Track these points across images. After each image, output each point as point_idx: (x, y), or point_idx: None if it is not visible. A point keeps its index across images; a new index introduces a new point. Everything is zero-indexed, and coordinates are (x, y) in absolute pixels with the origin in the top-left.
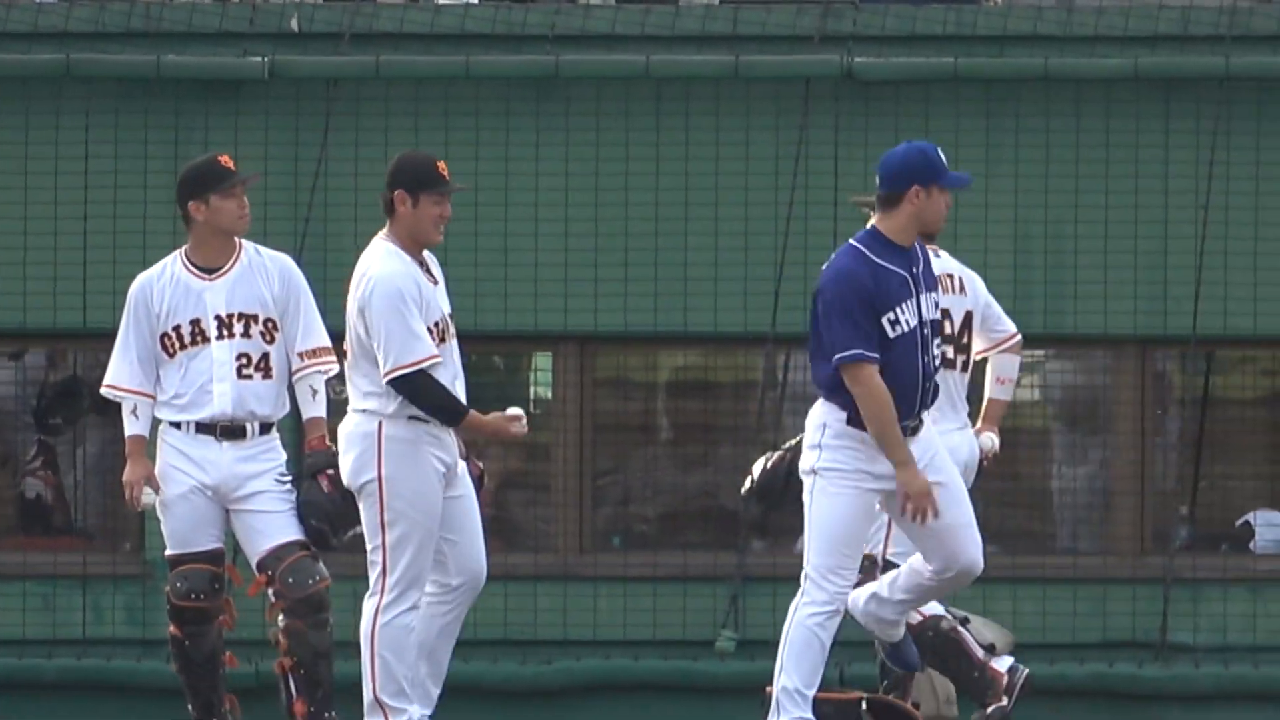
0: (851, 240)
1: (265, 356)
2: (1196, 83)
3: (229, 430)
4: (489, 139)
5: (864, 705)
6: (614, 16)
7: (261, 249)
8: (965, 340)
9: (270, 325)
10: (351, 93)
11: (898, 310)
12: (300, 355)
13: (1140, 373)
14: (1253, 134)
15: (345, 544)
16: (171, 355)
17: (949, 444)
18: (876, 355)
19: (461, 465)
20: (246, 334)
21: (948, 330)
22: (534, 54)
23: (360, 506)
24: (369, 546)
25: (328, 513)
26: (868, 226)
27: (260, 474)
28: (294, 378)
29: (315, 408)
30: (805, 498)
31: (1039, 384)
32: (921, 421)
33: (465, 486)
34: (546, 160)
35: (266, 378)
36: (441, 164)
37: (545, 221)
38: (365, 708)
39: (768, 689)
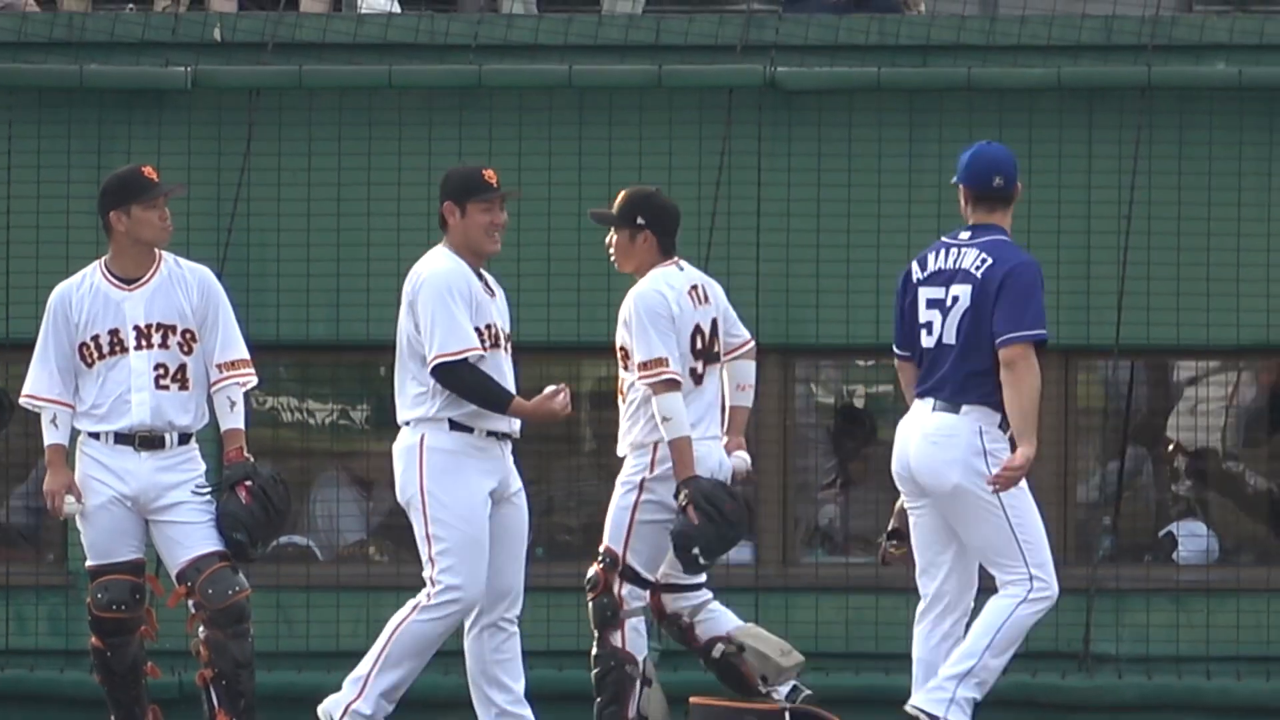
0: (998, 238)
1: (183, 367)
2: (1119, 92)
3: (147, 440)
4: (412, 149)
5: (787, 716)
6: (537, 26)
7: (181, 260)
8: (716, 349)
9: (188, 336)
10: (274, 102)
11: None
12: (219, 367)
13: (1064, 383)
14: (1175, 143)
15: (265, 554)
16: (90, 365)
17: (700, 451)
18: None
19: (517, 484)
20: (164, 344)
21: (700, 345)
22: (457, 63)
23: (411, 521)
24: (422, 558)
25: (246, 524)
26: (976, 224)
27: (179, 484)
28: (212, 389)
29: (234, 419)
30: (990, 507)
31: None
32: None
33: (515, 505)
34: None
35: (183, 389)
36: (488, 171)
37: None
38: (348, 680)
39: (693, 699)
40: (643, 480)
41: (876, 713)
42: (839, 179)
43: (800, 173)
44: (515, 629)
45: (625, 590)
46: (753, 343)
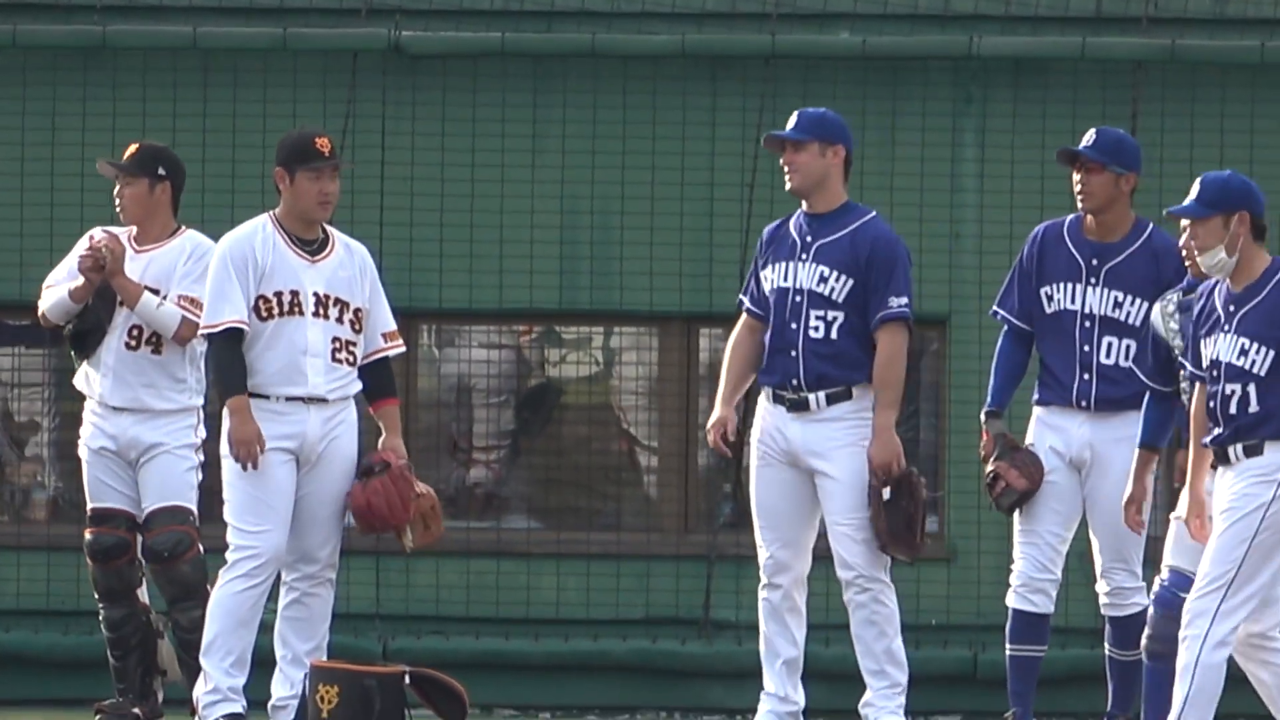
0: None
1: None
2: (743, 60)
3: None
4: (35, 109)
5: (407, 678)
6: None
7: None
8: None
9: None
10: None
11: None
12: None
13: (685, 350)
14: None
15: None
16: None
17: None
18: None
19: (331, 450)
20: None
21: None
22: (81, 24)
23: None
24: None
25: None
26: None
27: None
28: None
29: None
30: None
31: (589, 361)
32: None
33: (324, 471)
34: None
35: None
36: (321, 140)
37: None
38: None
39: (313, 661)
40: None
41: (496, 676)
42: (463, 144)
43: (424, 137)
44: (310, 589)
45: None
46: None
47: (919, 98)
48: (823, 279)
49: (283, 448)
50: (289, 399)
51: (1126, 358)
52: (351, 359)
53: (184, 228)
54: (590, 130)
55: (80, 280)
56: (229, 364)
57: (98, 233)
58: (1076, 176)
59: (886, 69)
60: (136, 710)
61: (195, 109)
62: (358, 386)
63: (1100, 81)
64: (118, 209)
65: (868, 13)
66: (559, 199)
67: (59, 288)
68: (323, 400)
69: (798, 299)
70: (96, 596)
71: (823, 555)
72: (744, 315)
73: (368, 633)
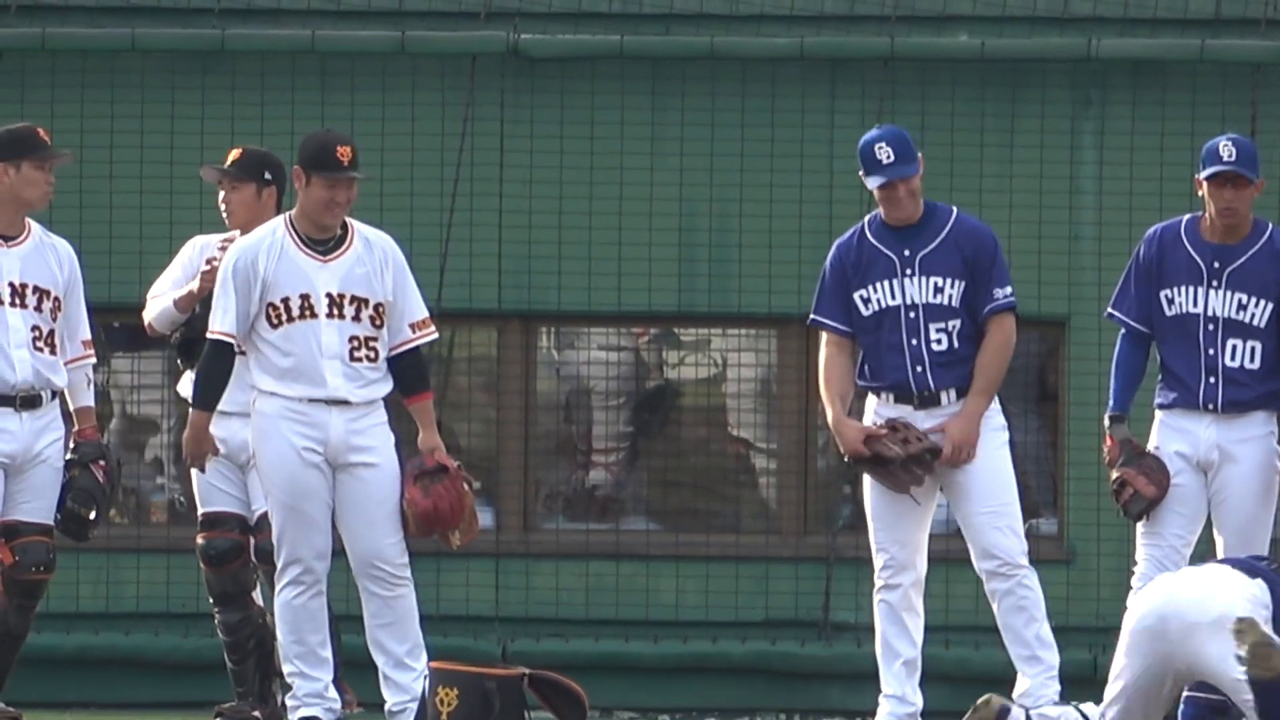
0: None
1: (52, 333)
2: (862, 63)
3: (28, 400)
4: (153, 112)
5: (526, 681)
6: None
7: (48, 230)
8: None
9: (58, 303)
10: (17, 65)
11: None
12: (82, 344)
13: (805, 351)
14: (917, 114)
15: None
16: None
17: None
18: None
19: (365, 458)
20: (39, 308)
21: None
22: (200, 27)
23: None
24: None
25: (100, 503)
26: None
27: (52, 442)
28: (70, 365)
29: (88, 397)
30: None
31: (708, 363)
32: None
33: (361, 479)
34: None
35: (53, 353)
36: (343, 149)
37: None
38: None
39: (433, 663)
40: None
41: (615, 678)
42: (582, 147)
43: (543, 140)
44: (389, 593)
45: None
46: None
47: (1038, 100)
48: (938, 289)
49: (310, 448)
50: (311, 400)
51: (1252, 360)
52: (373, 355)
53: None
54: (709, 133)
55: (185, 290)
56: (210, 375)
57: (207, 247)
58: (1224, 193)
59: (1005, 71)
60: (256, 713)
61: (313, 112)
62: (386, 388)
63: (1219, 84)
64: (224, 214)
65: (986, 15)
66: (677, 201)
67: (164, 298)
68: (345, 403)
69: (912, 315)
70: (211, 601)
71: (937, 558)
72: (829, 335)
73: (487, 635)
